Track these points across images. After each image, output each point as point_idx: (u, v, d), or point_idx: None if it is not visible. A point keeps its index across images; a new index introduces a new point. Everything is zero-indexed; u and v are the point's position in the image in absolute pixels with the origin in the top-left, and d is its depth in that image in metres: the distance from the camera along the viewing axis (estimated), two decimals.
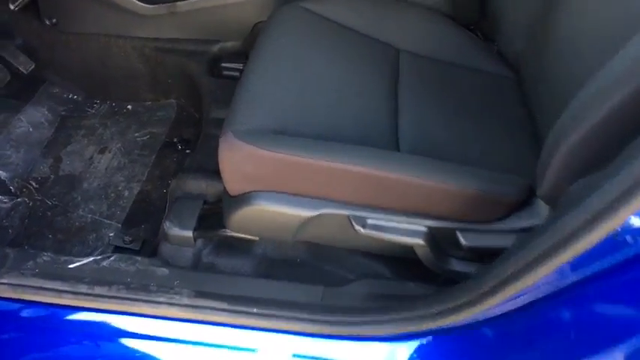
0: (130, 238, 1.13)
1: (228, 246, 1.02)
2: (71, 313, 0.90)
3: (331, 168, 0.81)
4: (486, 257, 0.84)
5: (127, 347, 0.89)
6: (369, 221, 0.84)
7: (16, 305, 0.92)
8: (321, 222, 0.86)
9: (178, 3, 1.36)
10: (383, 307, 0.81)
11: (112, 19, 1.40)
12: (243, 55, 1.40)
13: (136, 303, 0.88)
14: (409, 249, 0.86)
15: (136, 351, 0.87)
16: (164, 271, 0.94)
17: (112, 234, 1.17)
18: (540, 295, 0.64)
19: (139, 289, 0.90)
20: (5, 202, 1.24)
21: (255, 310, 0.85)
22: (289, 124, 0.88)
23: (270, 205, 0.86)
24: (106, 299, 0.89)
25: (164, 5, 1.36)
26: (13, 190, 1.28)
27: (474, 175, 0.82)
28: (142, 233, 1.17)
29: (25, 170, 1.33)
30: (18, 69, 1.45)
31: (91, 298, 0.89)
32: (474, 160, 0.89)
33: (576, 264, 0.59)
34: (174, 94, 1.52)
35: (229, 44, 1.44)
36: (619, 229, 0.53)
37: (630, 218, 0.52)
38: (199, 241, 1.02)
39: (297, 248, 1.02)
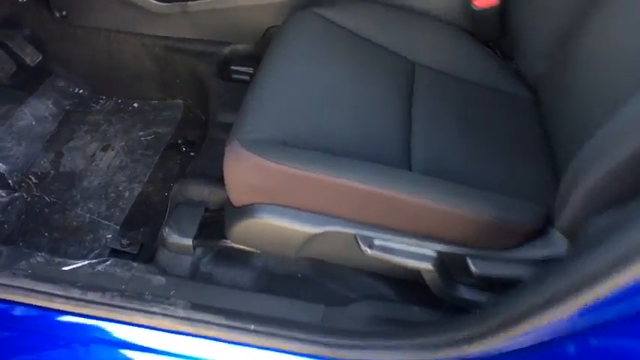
0: (128, 242, 1.10)
1: (227, 256, 0.99)
2: (62, 318, 0.88)
3: (339, 185, 0.77)
4: (497, 286, 0.81)
5: (117, 356, 0.86)
6: (376, 242, 0.81)
7: (6, 306, 0.89)
8: (327, 240, 0.83)
9: (191, 2, 1.33)
10: (386, 332, 0.78)
11: (123, 15, 1.38)
12: (254, 59, 1.37)
13: (130, 312, 0.85)
14: (416, 273, 0.82)
15: None
16: (160, 279, 0.91)
17: (109, 236, 1.14)
18: (556, 335, 0.60)
19: (134, 298, 0.87)
20: (3, 197, 1.21)
21: (252, 327, 0.82)
22: (298, 135, 0.85)
23: (274, 219, 0.82)
24: (99, 306, 0.86)
25: (177, 4, 1.33)
26: (11, 184, 1.25)
27: (489, 201, 0.78)
28: (140, 237, 1.14)
29: (25, 164, 1.30)
30: (24, 60, 1.42)
31: (83, 303, 0.86)
32: (488, 184, 0.86)
33: (597, 306, 0.55)
34: (181, 94, 1.49)
35: (240, 47, 1.41)
36: None
37: None
38: (198, 250, 0.99)
39: (298, 263, 0.99)
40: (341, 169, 0.77)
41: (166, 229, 0.97)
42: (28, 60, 1.43)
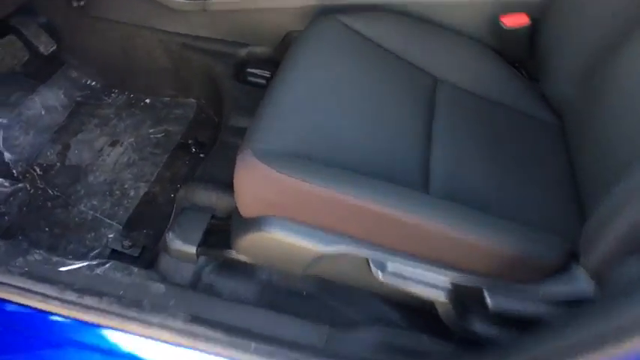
0: (130, 243, 1.07)
1: (231, 267, 0.95)
2: (57, 321, 0.84)
3: (355, 205, 0.73)
4: (512, 322, 0.77)
5: None
6: (389, 267, 0.77)
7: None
8: (337, 260, 0.79)
9: (211, 1, 1.30)
10: None
11: (141, 9, 1.35)
12: (271, 62, 1.34)
13: (127, 320, 0.81)
14: (428, 302, 0.78)
15: None
16: (160, 287, 0.87)
17: (111, 235, 1.11)
18: None
19: (132, 305, 0.83)
20: (6, 187, 1.19)
21: (253, 345, 0.78)
22: (314, 148, 0.81)
23: (284, 234, 0.79)
24: (95, 311, 0.83)
25: (197, 2, 1.30)
26: (15, 174, 1.22)
27: (511, 232, 0.74)
28: (142, 239, 1.10)
29: (31, 155, 1.27)
30: (38, 48, 1.40)
31: (79, 308, 0.83)
32: (509, 212, 0.82)
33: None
34: (195, 93, 1.46)
35: (258, 49, 1.37)
36: None
37: None
38: (201, 258, 0.95)
39: (304, 279, 0.95)
40: (358, 189, 0.73)
41: (170, 235, 0.94)
42: (41, 48, 1.40)
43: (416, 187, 0.82)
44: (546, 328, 0.60)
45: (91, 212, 1.16)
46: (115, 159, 1.29)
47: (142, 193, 1.21)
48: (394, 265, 0.77)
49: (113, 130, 1.38)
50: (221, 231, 0.94)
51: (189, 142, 1.34)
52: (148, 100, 1.47)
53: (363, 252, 0.77)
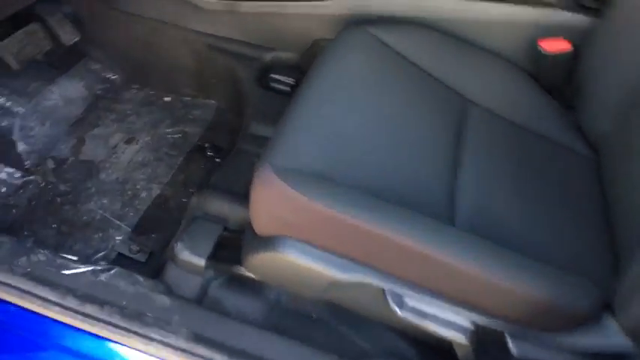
0: (137, 248, 1.03)
1: (240, 283, 0.91)
2: (56, 327, 0.81)
3: (374, 233, 0.69)
4: None
5: None
6: (408, 302, 0.72)
7: None
8: (353, 289, 0.75)
9: (240, 2, 1.27)
10: None
11: (168, 4, 1.32)
12: (296, 69, 1.30)
13: (127, 334, 0.78)
14: (446, 341, 0.73)
15: None
16: (165, 300, 0.83)
17: (119, 237, 1.07)
18: None
19: (134, 318, 0.80)
20: (17, 178, 1.16)
21: None
22: (337, 169, 0.77)
23: (299, 257, 0.74)
24: (95, 322, 0.79)
25: (225, 2, 1.27)
26: (27, 166, 1.20)
27: (541, 276, 0.69)
28: (150, 244, 1.07)
29: (44, 147, 1.25)
30: (61, 38, 1.37)
31: (79, 316, 0.80)
32: (538, 251, 0.76)
33: None
34: (216, 95, 1.43)
35: (284, 55, 1.34)
36: None
37: None
38: (209, 271, 0.91)
39: (314, 302, 0.90)
40: (381, 218, 0.69)
41: (179, 244, 0.90)
42: (64, 38, 1.37)
43: (441, 218, 0.77)
44: None
45: (100, 212, 1.12)
46: (130, 157, 1.26)
47: (154, 195, 1.17)
48: (413, 300, 0.72)
49: (130, 127, 1.35)
50: (232, 245, 0.90)
51: (206, 145, 1.31)
52: (167, 99, 1.44)
53: (381, 283, 0.73)
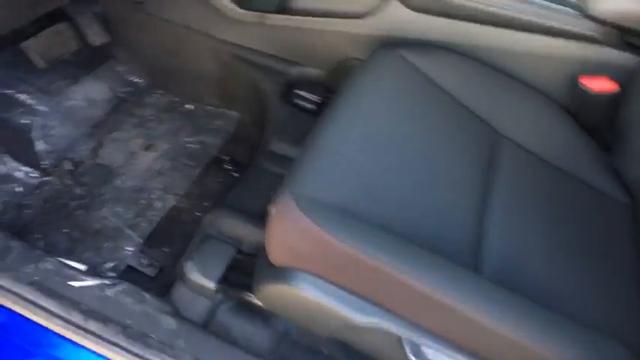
0: (148, 262, 1.01)
1: (249, 310, 0.88)
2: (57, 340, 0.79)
3: (396, 278, 0.65)
4: None
5: None
6: (425, 352, 0.68)
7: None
8: (368, 332, 0.70)
9: (269, 14, 1.24)
10: None
11: (198, 12, 1.30)
12: (321, 86, 1.27)
13: (128, 355, 0.75)
14: None
15: None
16: (171, 322, 0.80)
17: (129, 248, 1.05)
18: None
19: (137, 339, 0.77)
20: (33, 178, 1.15)
21: None
22: (360, 204, 0.73)
23: (313, 294, 0.71)
24: (98, 340, 0.76)
25: (255, 13, 1.25)
26: (44, 166, 1.18)
27: (569, 336, 0.64)
28: (161, 258, 1.04)
29: (63, 147, 1.23)
30: (89, 38, 1.36)
31: (81, 332, 0.77)
32: (569, 307, 0.72)
33: None
34: (238, 106, 1.40)
35: (311, 71, 1.30)
36: None
37: None
38: (219, 295, 0.88)
39: (325, 337, 0.86)
40: (404, 262, 0.65)
41: (188, 264, 0.87)
42: (92, 39, 1.37)
43: (466, 264, 0.73)
44: None
45: (114, 219, 1.10)
46: (147, 165, 1.24)
47: (168, 206, 1.15)
48: (431, 351, 0.68)
49: (150, 133, 1.33)
50: (244, 269, 0.86)
51: (225, 158, 1.28)
52: (189, 106, 1.42)
53: (397, 330, 0.69)
